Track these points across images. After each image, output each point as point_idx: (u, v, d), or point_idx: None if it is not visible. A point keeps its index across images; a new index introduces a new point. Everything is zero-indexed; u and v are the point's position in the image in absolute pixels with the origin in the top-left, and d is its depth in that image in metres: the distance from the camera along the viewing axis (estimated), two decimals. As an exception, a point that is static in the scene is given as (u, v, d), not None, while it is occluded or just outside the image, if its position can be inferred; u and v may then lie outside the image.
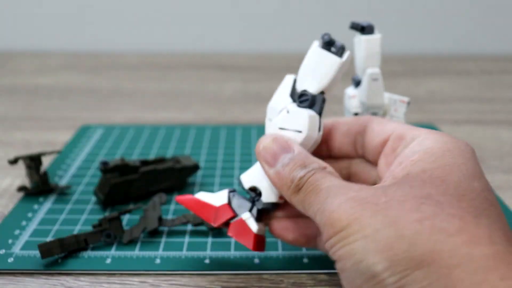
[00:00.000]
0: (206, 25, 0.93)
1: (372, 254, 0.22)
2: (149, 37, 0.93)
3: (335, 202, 0.24)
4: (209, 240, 0.36)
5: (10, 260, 0.34)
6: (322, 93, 0.30)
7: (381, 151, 0.29)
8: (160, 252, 0.35)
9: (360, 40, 0.37)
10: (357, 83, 0.39)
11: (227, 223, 0.32)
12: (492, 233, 0.22)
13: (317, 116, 0.30)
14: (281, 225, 0.32)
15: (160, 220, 0.37)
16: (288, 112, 0.30)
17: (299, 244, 0.32)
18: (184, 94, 0.70)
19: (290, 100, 0.31)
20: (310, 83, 0.30)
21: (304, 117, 0.30)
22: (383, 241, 0.21)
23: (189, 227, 0.38)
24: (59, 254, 0.34)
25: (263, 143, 0.29)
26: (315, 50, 0.30)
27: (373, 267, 0.21)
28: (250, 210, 0.32)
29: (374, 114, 0.38)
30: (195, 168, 0.44)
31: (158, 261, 0.34)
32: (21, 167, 0.48)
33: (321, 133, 0.31)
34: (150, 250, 0.35)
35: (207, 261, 0.34)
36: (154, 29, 0.93)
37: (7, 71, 0.81)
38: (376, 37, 0.37)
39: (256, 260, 0.34)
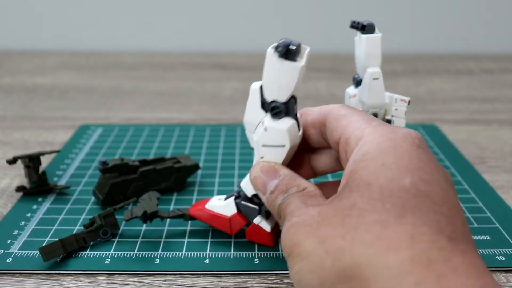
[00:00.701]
0: (206, 25, 0.93)
1: (307, 274, 0.23)
2: (149, 36, 0.93)
3: (284, 229, 0.26)
4: (209, 240, 0.36)
5: (9, 260, 0.34)
6: (292, 97, 0.30)
7: (337, 150, 0.29)
8: (160, 252, 0.35)
9: (361, 39, 0.37)
10: (357, 83, 0.39)
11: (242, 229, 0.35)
12: (416, 231, 0.22)
13: (294, 122, 0.30)
14: None
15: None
16: (266, 130, 0.30)
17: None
18: (184, 94, 0.70)
19: (262, 112, 0.31)
20: (278, 93, 0.30)
21: (283, 132, 0.30)
22: (314, 260, 0.23)
23: (189, 227, 0.38)
24: (61, 255, 0.34)
25: (253, 173, 0.31)
26: (273, 60, 0.29)
27: (309, 286, 0.23)
28: (259, 213, 0.34)
29: (375, 113, 0.38)
30: (195, 167, 0.43)
31: (157, 261, 0.34)
32: (19, 167, 0.48)
33: (301, 131, 0.31)
34: (149, 250, 0.35)
35: (206, 261, 0.34)
36: (153, 29, 0.93)
37: (5, 70, 0.81)
38: (376, 36, 0.37)
39: (256, 260, 0.34)
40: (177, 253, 0.35)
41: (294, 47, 0.29)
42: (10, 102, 0.66)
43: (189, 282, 0.32)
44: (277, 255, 0.35)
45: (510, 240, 0.36)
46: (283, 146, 0.30)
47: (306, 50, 0.29)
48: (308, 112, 0.32)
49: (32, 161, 0.42)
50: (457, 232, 0.22)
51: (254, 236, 0.35)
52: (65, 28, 0.92)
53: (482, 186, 0.44)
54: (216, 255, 0.34)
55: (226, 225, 0.35)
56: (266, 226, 0.34)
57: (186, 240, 0.36)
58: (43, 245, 0.34)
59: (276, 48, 0.29)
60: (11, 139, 0.54)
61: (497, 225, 0.38)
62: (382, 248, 0.21)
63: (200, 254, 0.35)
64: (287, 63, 0.29)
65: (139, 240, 0.36)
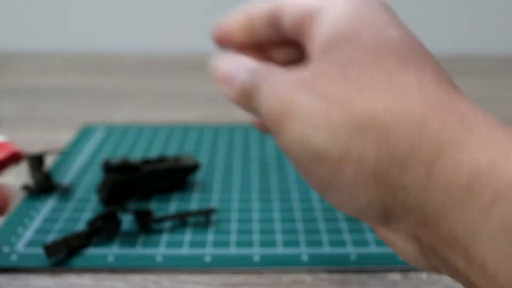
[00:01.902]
0: (206, 25, 0.93)
1: (311, 132, 0.21)
2: (151, 38, 0.94)
3: (265, 93, 0.23)
4: (210, 238, 0.37)
5: (14, 257, 0.34)
6: None
7: (299, 32, 0.26)
8: (161, 250, 0.35)
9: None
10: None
11: None
12: (421, 78, 0.21)
13: None
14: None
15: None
16: None
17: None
18: (185, 94, 0.70)
19: None
20: None
21: None
22: (318, 116, 0.21)
23: (189, 228, 0.38)
24: (65, 252, 0.34)
25: (216, 67, 0.27)
26: None
27: (315, 144, 0.21)
28: None
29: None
30: (195, 167, 0.44)
31: (159, 258, 0.35)
32: (24, 166, 0.49)
33: None
34: (151, 247, 0.36)
35: (207, 258, 0.35)
36: (155, 30, 0.93)
37: (10, 72, 0.81)
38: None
39: (256, 258, 0.35)
40: (179, 250, 0.35)
41: None
42: (16, 103, 0.67)
43: (190, 279, 0.33)
44: (277, 252, 0.35)
45: (506, 238, 0.36)
46: None
47: None
48: (250, 10, 0.28)
49: (36, 161, 0.42)
50: (452, 81, 0.22)
51: None
52: (69, 30, 0.93)
53: (480, 185, 0.44)
54: (217, 253, 0.35)
55: None
56: None
57: (187, 237, 0.37)
58: (47, 242, 0.35)
59: None
60: (16, 139, 0.55)
61: (494, 223, 0.38)
62: (396, 94, 0.20)
63: (201, 251, 0.35)
64: None
65: (142, 237, 0.37)
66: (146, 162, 0.43)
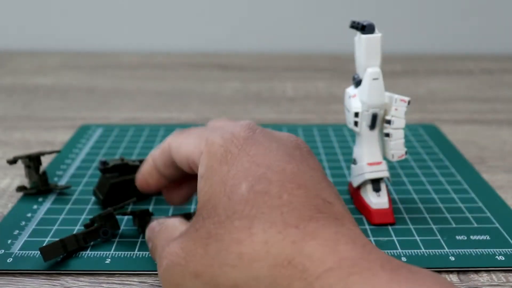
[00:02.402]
0: (206, 25, 0.93)
1: None
2: (149, 36, 0.93)
3: (161, 272, 0.26)
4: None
5: (9, 260, 0.34)
6: None
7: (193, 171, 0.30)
8: (160, 252, 0.35)
9: (361, 39, 0.37)
10: (357, 83, 0.39)
11: None
12: (266, 236, 0.23)
13: None
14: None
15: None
16: None
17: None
18: (183, 94, 0.70)
19: None
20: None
21: None
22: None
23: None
24: (62, 255, 0.34)
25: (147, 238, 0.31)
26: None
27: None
28: None
29: (375, 113, 0.38)
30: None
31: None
32: (20, 167, 0.48)
33: None
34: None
35: (207, 261, 0.34)
36: (153, 29, 0.93)
37: (6, 70, 0.81)
38: (376, 36, 0.37)
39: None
40: (177, 253, 0.35)
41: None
42: (11, 102, 0.66)
43: (189, 282, 0.33)
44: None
45: (510, 240, 0.36)
46: None
47: None
48: (155, 159, 0.32)
49: (32, 161, 0.42)
50: (304, 212, 0.23)
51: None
52: (66, 28, 0.92)
53: (482, 186, 0.44)
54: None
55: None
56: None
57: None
58: (44, 245, 0.34)
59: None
60: (11, 139, 0.55)
61: (497, 225, 0.38)
62: (245, 264, 0.23)
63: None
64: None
65: (140, 240, 0.36)
66: (144, 162, 0.42)
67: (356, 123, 0.39)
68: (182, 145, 0.29)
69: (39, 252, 0.34)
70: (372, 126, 0.38)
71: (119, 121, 0.60)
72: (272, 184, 0.24)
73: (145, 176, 0.33)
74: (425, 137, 0.54)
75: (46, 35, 0.93)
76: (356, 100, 0.39)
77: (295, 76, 0.78)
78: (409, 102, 0.38)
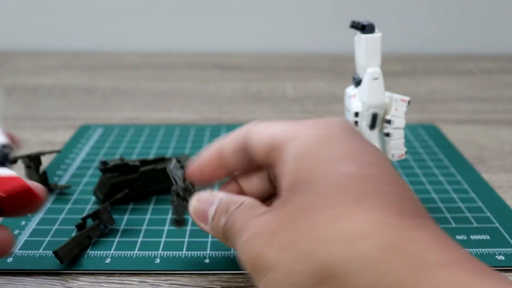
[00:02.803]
0: (206, 24, 0.93)
1: (278, 284, 0.22)
2: (149, 36, 0.93)
3: (240, 246, 0.25)
4: (209, 239, 0.36)
5: (9, 260, 0.34)
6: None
7: (268, 160, 0.28)
8: (160, 252, 0.35)
9: (361, 39, 0.37)
10: (357, 83, 0.39)
11: None
12: (371, 217, 0.22)
13: None
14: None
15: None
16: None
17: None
18: (184, 94, 0.70)
19: None
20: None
21: None
22: (283, 269, 0.22)
23: (189, 227, 0.38)
24: (76, 253, 0.34)
25: (191, 208, 0.30)
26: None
27: None
28: None
29: (375, 113, 0.38)
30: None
31: (157, 260, 0.34)
32: (20, 166, 0.48)
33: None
34: (149, 249, 0.35)
35: (207, 260, 0.34)
36: (154, 29, 0.93)
37: (6, 70, 0.81)
38: (376, 36, 0.37)
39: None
40: (178, 252, 0.35)
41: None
42: (11, 102, 0.66)
43: (189, 281, 0.33)
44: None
45: (510, 240, 0.36)
46: None
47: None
48: (226, 143, 0.31)
49: (32, 161, 0.42)
50: (409, 208, 0.23)
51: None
52: (66, 28, 0.92)
53: (482, 186, 0.44)
54: (217, 255, 0.35)
55: None
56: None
57: (186, 239, 0.36)
58: (58, 247, 0.33)
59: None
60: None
61: (497, 224, 0.38)
62: (347, 241, 0.21)
63: (200, 253, 0.35)
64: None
65: (140, 239, 0.36)
66: (144, 162, 0.43)
67: (356, 123, 0.39)
68: (267, 128, 0.28)
69: (54, 256, 0.33)
70: (372, 126, 0.38)
71: (119, 121, 0.60)
72: (375, 172, 0.24)
73: (202, 164, 0.31)
74: (425, 137, 0.54)
75: (46, 35, 0.93)
76: (356, 100, 0.39)
77: (295, 76, 0.78)
78: (409, 102, 0.38)
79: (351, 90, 0.40)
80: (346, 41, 0.90)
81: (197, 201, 0.29)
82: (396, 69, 0.82)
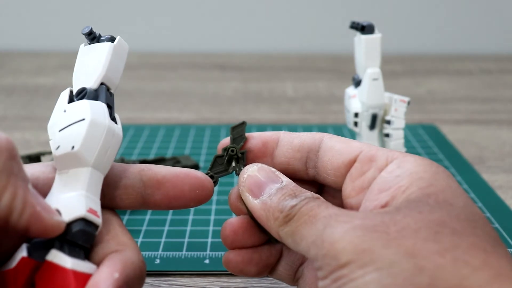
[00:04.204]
0: (206, 25, 0.93)
1: (380, 284, 0.20)
2: (149, 36, 0.93)
3: (338, 231, 0.21)
4: (209, 240, 0.36)
5: (9, 260, 0.34)
6: (103, 85, 0.26)
7: (344, 173, 0.26)
8: (160, 252, 0.35)
9: (360, 39, 0.37)
10: (357, 83, 0.39)
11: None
12: (508, 261, 0.20)
13: (102, 104, 0.25)
14: (242, 257, 0.27)
15: None
16: (65, 111, 0.24)
17: (260, 276, 0.28)
18: (184, 94, 0.70)
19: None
20: (86, 80, 0.25)
21: (83, 103, 0.24)
22: (401, 274, 0.19)
23: (189, 227, 0.38)
24: None
25: (248, 172, 0.27)
26: (82, 50, 0.27)
27: None
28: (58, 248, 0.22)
29: (375, 114, 0.38)
30: (194, 168, 0.43)
31: (157, 261, 0.34)
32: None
33: (119, 128, 0.25)
34: (149, 250, 0.35)
35: (207, 261, 0.34)
36: (154, 29, 0.93)
37: (6, 71, 0.81)
38: (376, 36, 0.37)
39: (256, 260, 0.34)
40: (177, 253, 0.35)
41: (105, 35, 0.28)
42: (11, 102, 0.66)
43: (189, 282, 0.33)
44: (277, 255, 0.35)
45: (510, 240, 0.36)
46: (83, 119, 0.23)
47: (117, 38, 0.28)
48: (293, 135, 0.29)
49: (32, 161, 0.42)
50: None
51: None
52: (65, 28, 0.92)
53: (481, 186, 0.44)
54: (216, 255, 0.35)
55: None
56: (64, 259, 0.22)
57: (186, 240, 0.36)
58: None
59: (83, 32, 0.27)
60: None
61: (497, 225, 0.38)
62: (492, 275, 0.19)
63: (200, 254, 0.35)
64: (95, 45, 0.27)
65: (140, 240, 0.36)
66: (144, 162, 0.43)
67: (356, 124, 0.39)
68: (350, 141, 0.27)
69: None
70: (372, 126, 0.38)
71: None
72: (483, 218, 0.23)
73: (265, 137, 0.29)
74: (425, 137, 0.54)
75: (46, 35, 0.93)
76: (356, 101, 0.39)
77: (295, 76, 0.78)
78: (408, 103, 0.38)
79: (351, 90, 0.40)
80: (346, 41, 0.90)
81: (257, 170, 0.26)
82: (396, 69, 0.82)
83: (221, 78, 0.77)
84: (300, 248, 0.23)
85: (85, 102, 0.24)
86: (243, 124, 0.29)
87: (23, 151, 0.51)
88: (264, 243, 0.28)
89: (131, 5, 0.91)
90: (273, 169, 0.27)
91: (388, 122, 0.38)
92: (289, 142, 0.28)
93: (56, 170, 0.24)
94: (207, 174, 0.28)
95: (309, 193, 0.25)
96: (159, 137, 0.54)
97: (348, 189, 0.26)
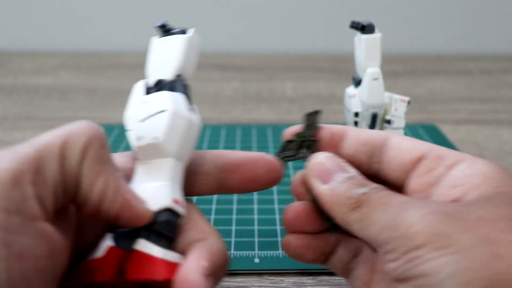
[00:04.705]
0: (206, 25, 0.93)
1: (466, 272, 0.20)
2: (149, 36, 0.93)
3: (414, 215, 0.22)
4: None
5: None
6: (179, 76, 0.27)
7: (410, 169, 0.27)
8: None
9: (361, 39, 0.37)
10: (357, 83, 0.39)
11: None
12: None
13: (181, 95, 0.26)
14: (302, 242, 0.28)
15: None
16: (144, 102, 0.26)
17: (316, 263, 0.29)
18: (184, 94, 0.70)
19: None
20: (162, 72, 0.27)
21: (163, 95, 0.25)
22: (478, 259, 0.20)
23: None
24: None
25: (317, 159, 0.27)
26: (156, 43, 0.28)
27: (468, 286, 0.20)
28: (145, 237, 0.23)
29: (375, 114, 0.38)
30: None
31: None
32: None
33: (198, 118, 0.26)
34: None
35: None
36: (153, 29, 0.93)
37: (6, 71, 0.81)
38: (376, 36, 0.37)
39: (256, 260, 0.34)
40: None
41: (178, 28, 0.28)
42: (11, 102, 0.66)
43: (189, 281, 0.33)
44: (277, 254, 0.35)
45: (509, 240, 0.36)
46: (163, 110, 0.25)
47: (191, 30, 0.28)
48: (359, 130, 0.29)
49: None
50: None
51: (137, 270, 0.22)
52: (66, 28, 0.92)
53: (482, 186, 0.44)
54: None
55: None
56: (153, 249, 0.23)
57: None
58: None
59: (156, 25, 0.29)
60: (12, 139, 0.55)
61: (497, 224, 0.38)
62: None
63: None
64: (169, 37, 0.28)
65: (140, 239, 0.36)
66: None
67: (356, 123, 0.39)
68: (419, 142, 0.28)
69: None
70: (372, 126, 0.38)
71: (119, 121, 0.60)
72: None
73: (333, 130, 0.29)
74: (425, 137, 0.54)
75: (46, 35, 0.93)
76: (356, 100, 0.39)
77: (295, 76, 0.78)
78: (409, 102, 0.38)
79: (351, 90, 0.40)
80: (346, 41, 0.90)
81: (326, 158, 0.27)
82: (396, 69, 0.82)
83: (221, 78, 0.77)
84: (368, 233, 0.23)
85: (165, 94, 0.25)
86: (318, 112, 0.29)
87: (23, 151, 0.51)
88: (322, 232, 0.28)
89: (131, 5, 0.91)
90: (341, 159, 0.27)
91: (388, 122, 0.38)
92: (357, 136, 0.29)
93: (136, 160, 0.24)
94: (281, 157, 0.29)
95: (377, 184, 0.25)
96: (159, 137, 0.54)
97: (414, 185, 0.27)
